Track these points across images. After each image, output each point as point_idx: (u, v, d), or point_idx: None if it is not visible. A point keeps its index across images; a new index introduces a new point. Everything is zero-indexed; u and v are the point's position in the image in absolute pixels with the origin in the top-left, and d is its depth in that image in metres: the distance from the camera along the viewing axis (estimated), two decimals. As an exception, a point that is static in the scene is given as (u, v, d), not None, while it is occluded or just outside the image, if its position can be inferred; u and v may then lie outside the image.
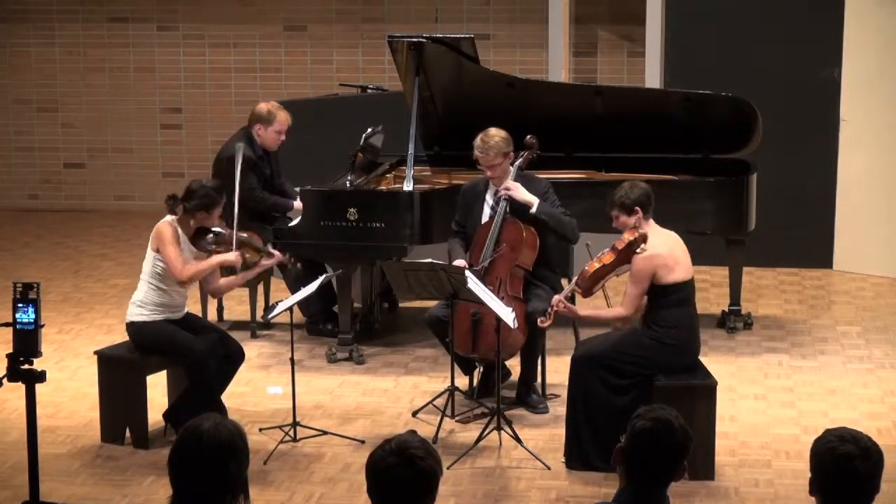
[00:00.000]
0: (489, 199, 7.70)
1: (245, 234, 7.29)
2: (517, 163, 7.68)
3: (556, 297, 6.79)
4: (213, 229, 7.11)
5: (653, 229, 6.72)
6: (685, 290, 6.70)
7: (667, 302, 6.64)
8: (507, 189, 7.54)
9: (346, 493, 6.47)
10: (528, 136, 7.81)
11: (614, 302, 7.22)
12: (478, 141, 7.59)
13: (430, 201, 8.30)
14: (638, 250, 6.55)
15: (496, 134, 7.57)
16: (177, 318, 7.10)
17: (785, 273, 10.57)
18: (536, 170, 8.04)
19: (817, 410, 7.57)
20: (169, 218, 7.03)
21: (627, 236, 6.59)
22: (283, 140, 8.79)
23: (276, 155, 8.91)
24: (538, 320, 6.87)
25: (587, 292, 6.78)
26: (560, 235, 7.68)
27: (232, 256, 7.13)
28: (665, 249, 6.64)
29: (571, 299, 6.90)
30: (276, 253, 7.44)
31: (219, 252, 7.12)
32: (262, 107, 8.79)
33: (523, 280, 7.49)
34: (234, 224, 7.20)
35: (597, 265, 6.64)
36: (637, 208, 6.68)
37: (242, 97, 12.57)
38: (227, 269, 7.52)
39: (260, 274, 8.92)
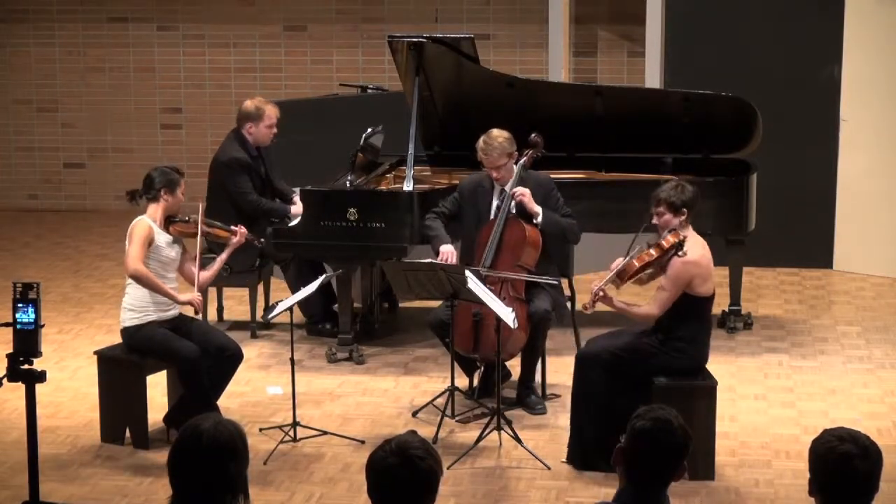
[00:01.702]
0: (496, 200, 7.69)
1: (209, 220, 7.35)
2: (521, 161, 7.69)
3: (595, 286, 6.63)
4: (184, 218, 7.15)
5: (692, 235, 6.64)
6: (705, 307, 6.64)
7: (688, 314, 6.56)
8: (523, 194, 7.53)
9: (346, 493, 6.47)
10: (533, 135, 7.80)
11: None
12: (480, 143, 7.60)
13: (430, 201, 8.29)
14: (680, 253, 6.48)
15: (499, 135, 7.57)
16: (168, 317, 7.07)
17: (785, 273, 10.57)
18: (535, 169, 8.05)
19: (817, 410, 7.57)
20: (145, 217, 7.02)
21: (671, 238, 6.51)
22: (275, 133, 8.77)
23: (268, 153, 8.88)
24: (583, 306, 6.69)
25: (619, 286, 6.71)
26: (562, 241, 7.75)
27: (188, 297, 7.05)
28: (704, 259, 6.57)
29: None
30: (241, 229, 7.40)
31: (188, 230, 7.11)
32: (249, 104, 8.75)
33: (525, 280, 7.48)
34: (201, 213, 7.19)
35: (639, 263, 6.52)
36: (685, 210, 6.61)
37: (242, 97, 12.41)
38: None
39: (260, 274, 8.97)
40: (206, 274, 7.27)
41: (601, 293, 6.56)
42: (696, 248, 6.57)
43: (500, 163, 7.57)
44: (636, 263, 6.53)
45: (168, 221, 7.08)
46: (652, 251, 6.53)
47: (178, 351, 6.94)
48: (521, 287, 7.44)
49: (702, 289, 6.56)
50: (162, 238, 7.02)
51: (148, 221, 7.00)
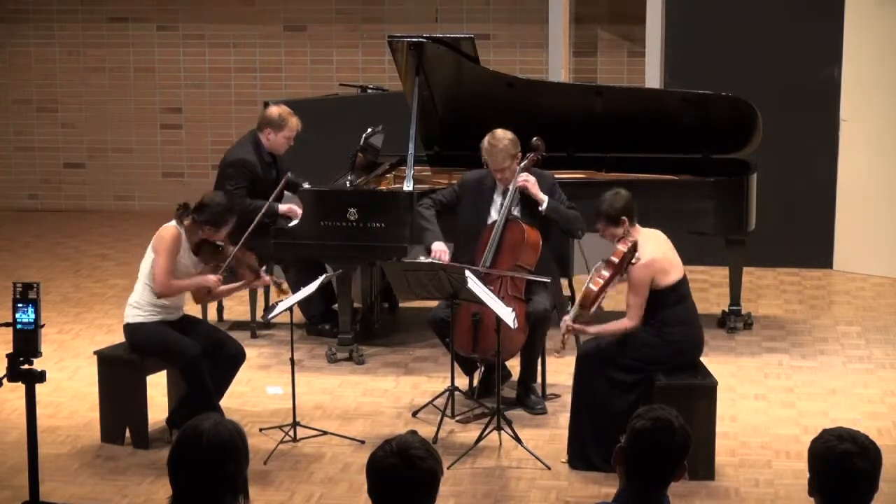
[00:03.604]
0: (497, 199, 7.70)
1: (245, 254, 7.25)
2: (523, 164, 7.69)
3: (564, 324, 6.75)
4: (217, 243, 7.09)
5: (641, 234, 6.72)
6: (681, 289, 6.72)
7: (665, 302, 6.64)
8: (526, 181, 7.56)
9: (346, 493, 6.47)
10: (535, 138, 7.80)
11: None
12: (486, 143, 7.59)
13: (429, 201, 8.29)
14: (634, 261, 6.55)
15: (503, 136, 7.57)
16: (173, 320, 7.07)
17: (785, 273, 10.57)
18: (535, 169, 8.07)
19: (817, 410, 7.57)
20: (175, 225, 7.00)
21: (621, 248, 6.58)
22: (291, 144, 8.75)
23: (282, 158, 8.87)
24: (554, 354, 6.78)
25: (588, 313, 6.75)
26: (567, 231, 7.75)
27: (213, 279, 7.05)
28: (658, 253, 6.66)
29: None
30: (266, 277, 7.35)
31: (217, 266, 7.09)
32: (274, 111, 8.69)
33: (525, 280, 7.49)
34: (241, 241, 7.16)
35: (596, 287, 6.59)
36: (623, 218, 6.68)
37: (242, 97, 12.57)
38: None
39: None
40: (211, 295, 7.27)
41: (570, 327, 6.68)
42: (647, 247, 6.64)
43: (505, 165, 7.58)
44: (594, 288, 6.60)
45: (199, 245, 7.03)
46: (604, 272, 6.60)
47: (180, 348, 6.94)
48: (520, 286, 7.45)
49: (666, 280, 6.65)
50: (185, 252, 7.01)
51: (177, 229, 6.96)
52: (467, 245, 7.70)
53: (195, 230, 7.02)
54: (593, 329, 6.76)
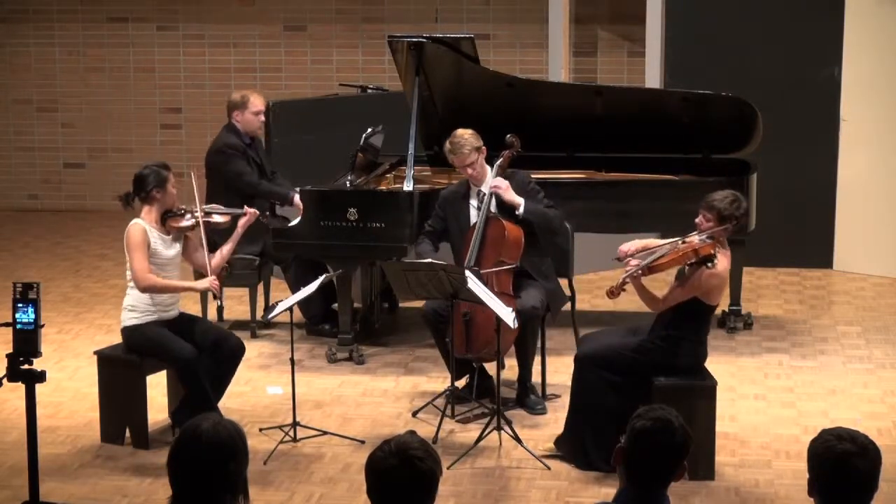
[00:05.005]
0: (474, 203, 7.70)
1: (208, 205, 7.38)
2: (498, 162, 7.69)
3: (625, 276, 6.53)
4: (176, 210, 7.08)
5: (722, 249, 6.60)
6: (711, 314, 6.66)
7: (690, 315, 6.56)
8: (497, 186, 7.55)
9: (346, 493, 6.47)
10: (508, 135, 7.81)
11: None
12: (447, 145, 7.62)
13: (430, 201, 8.28)
14: (710, 265, 6.41)
15: (463, 132, 7.61)
16: (170, 318, 7.06)
17: (785, 273, 10.57)
18: (535, 169, 8.06)
19: (817, 410, 7.57)
20: (137, 220, 6.99)
21: (709, 248, 6.44)
22: (263, 121, 8.92)
23: (261, 147, 8.97)
24: (609, 290, 6.57)
25: (647, 273, 6.63)
26: (549, 231, 7.68)
27: (206, 283, 7.05)
28: (725, 272, 6.55)
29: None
30: (248, 209, 7.45)
31: (185, 223, 7.08)
32: (235, 94, 8.97)
33: (512, 275, 7.47)
34: (197, 199, 7.20)
35: (675, 262, 6.45)
36: (730, 225, 6.60)
37: (242, 97, 12.57)
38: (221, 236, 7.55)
39: (260, 274, 8.96)
40: (217, 260, 7.25)
41: (634, 276, 6.49)
42: (723, 261, 6.53)
43: (471, 159, 7.59)
44: (673, 261, 6.45)
45: (164, 217, 7.06)
46: (689, 252, 6.44)
47: (175, 351, 6.93)
48: (507, 283, 7.43)
49: (715, 299, 6.58)
50: (158, 241, 6.99)
51: (141, 224, 6.95)
52: (459, 255, 7.68)
53: (150, 209, 7.01)
54: (639, 286, 6.57)
